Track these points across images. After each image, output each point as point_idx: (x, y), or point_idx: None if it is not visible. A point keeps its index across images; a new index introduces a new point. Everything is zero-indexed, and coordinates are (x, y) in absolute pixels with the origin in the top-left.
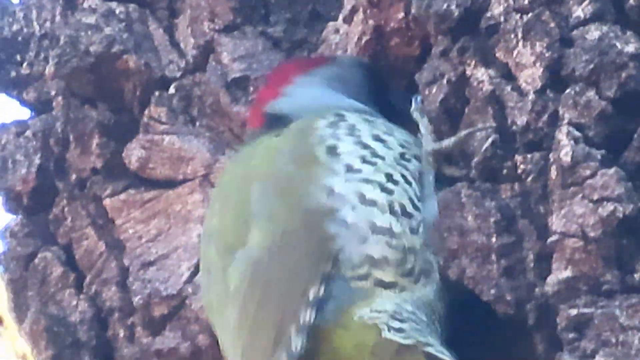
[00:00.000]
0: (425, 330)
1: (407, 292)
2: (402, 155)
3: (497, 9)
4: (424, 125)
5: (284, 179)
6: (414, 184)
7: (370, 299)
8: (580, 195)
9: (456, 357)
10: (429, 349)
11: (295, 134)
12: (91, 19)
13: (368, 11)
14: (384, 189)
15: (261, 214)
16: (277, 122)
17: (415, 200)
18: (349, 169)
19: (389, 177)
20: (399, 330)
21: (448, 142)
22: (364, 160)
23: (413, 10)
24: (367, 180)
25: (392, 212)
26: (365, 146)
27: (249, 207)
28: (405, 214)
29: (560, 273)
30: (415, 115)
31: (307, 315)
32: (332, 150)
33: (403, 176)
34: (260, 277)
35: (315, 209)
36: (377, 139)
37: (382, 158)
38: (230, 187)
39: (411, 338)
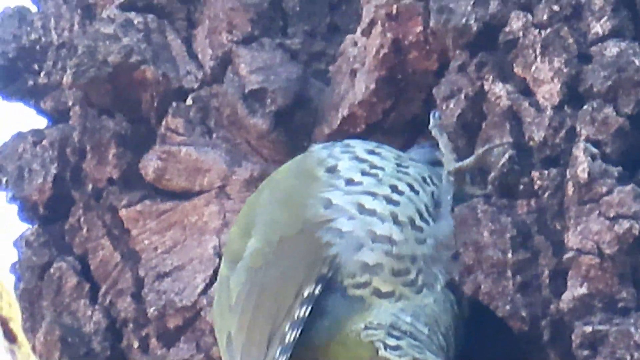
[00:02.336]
0: (424, 344)
1: (406, 301)
2: (399, 165)
3: (515, 24)
4: (443, 144)
5: (285, 191)
6: (421, 192)
7: (367, 311)
8: (596, 212)
9: None
10: None
11: (298, 158)
12: (109, 29)
13: (386, 24)
14: (389, 201)
15: (261, 222)
16: None
17: (424, 212)
18: (349, 182)
19: (394, 188)
20: (395, 348)
21: (468, 161)
22: (364, 173)
23: (431, 24)
24: (368, 192)
25: (395, 221)
26: (362, 160)
27: (253, 216)
28: (413, 224)
29: (575, 290)
30: (435, 132)
31: (302, 312)
32: (332, 169)
33: (409, 185)
34: (258, 282)
35: (312, 219)
36: (371, 152)
37: (382, 169)
38: (249, 199)
39: (408, 356)
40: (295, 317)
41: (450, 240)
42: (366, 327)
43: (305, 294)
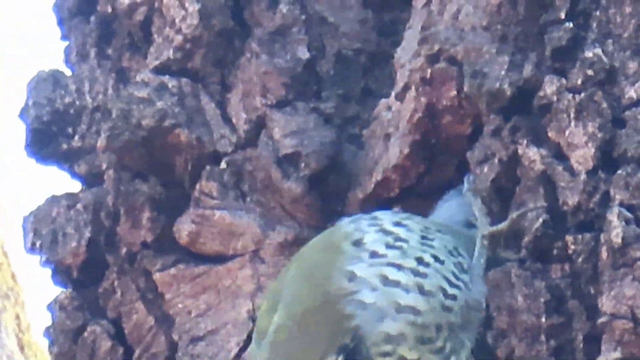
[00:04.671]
0: None
1: None
2: (423, 237)
3: (549, 89)
4: (477, 207)
5: (310, 265)
6: (447, 262)
7: None
8: (630, 277)
9: None
10: None
11: (327, 230)
12: (143, 93)
13: (420, 89)
14: (415, 273)
15: (286, 298)
16: None
17: (453, 279)
18: (374, 254)
19: (419, 260)
20: None
21: (502, 225)
22: (388, 246)
23: (465, 89)
24: (392, 264)
25: (421, 291)
26: (388, 232)
27: (280, 291)
28: (441, 292)
29: (609, 354)
30: (468, 196)
31: None
32: (358, 243)
33: (434, 256)
34: (280, 355)
35: (335, 292)
36: (397, 224)
37: (406, 241)
38: (278, 277)
39: None
40: None
41: (481, 305)
42: None
43: None
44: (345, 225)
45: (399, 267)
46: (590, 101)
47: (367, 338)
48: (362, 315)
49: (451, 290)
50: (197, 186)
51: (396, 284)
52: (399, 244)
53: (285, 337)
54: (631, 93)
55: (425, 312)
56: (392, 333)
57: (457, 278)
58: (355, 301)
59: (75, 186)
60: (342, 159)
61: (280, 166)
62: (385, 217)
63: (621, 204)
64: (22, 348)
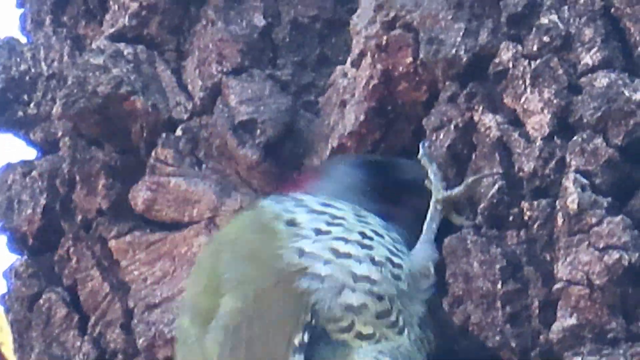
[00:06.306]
0: None
1: (385, 342)
2: (357, 215)
3: (505, 55)
4: (433, 172)
5: (248, 246)
6: (386, 237)
7: (349, 355)
8: (586, 243)
9: None
10: None
11: (249, 212)
12: (99, 60)
13: (376, 55)
14: (362, 245)
15: (230, 280)
16: None
17: (394, 249)
18: (318, 231)
19: (363, 234)
20: None
21: (457, 190)
22: (329, 223)
23: (421, 55)
24: (339, 238)
25: (372, 262)
26: (320, 212)
27: (219, 275)
28: (389, 262)
29: (565, 320)
30: (424, 161)
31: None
32: (291, 222)
33: (374, 231)
34: (242, 339)
35: (286, 269)
36: (325, 205)
37: (344, 219)
38: (203, 259)
39: None
40: None
41: (428, 270)
42: None
43: (296, 342)
44: (270, 206)
45: (346, 240)
46: (546, 67)
47: (327, 312)
48: (322, 288)
49: (396, 260)
50: (153, 153)
51: (348, 255)
52: (337, 221)
53: (240, 320)
54: (587, 59)
55: (379, 282)
56: (354, 304)
57: (397, 249)
58: (310, 275)
59: (31, 153)
60: (298, 126)
61: (236, 133)
62: (309, 199)
63: (577, 171)
64: None
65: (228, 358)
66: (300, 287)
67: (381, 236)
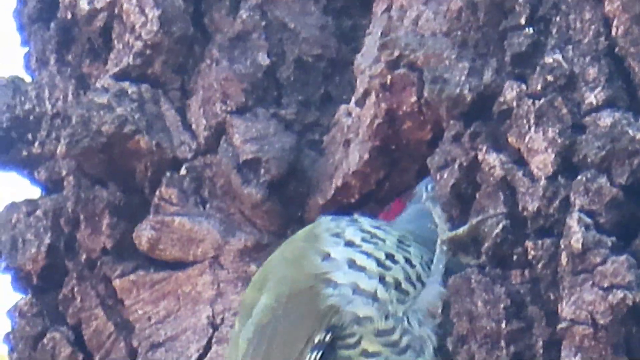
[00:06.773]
0: None
1: None
2: (400, 242)
3: (509, 94)
4: (437, 214)
5: (294, 250)
6: (418, 267)
7: None
8: (590, 282)
9: None
10: None
11: (309, 226)
12: (103, 99)
13: (380, 94)
14: (380, 264)
15: (272, 279)
16: None
17: (413, 279)
18: (349, 243)
19: (389, 256)
20: None
21: (461, 230)
22: (364, 240)
23: (425, 94)
24: (363, 252)
25: (381, 281)
26: (366, 231)
27: (265, 274)
28: (398, 287)
29: None
30: (428, 204)
31: (312, 356)
32: (337, 235)
33: (406, 259)
34: (266, 336)
35: (312, 272)
36: (377, 227)
37: (383, 240)
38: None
39: None
40: None
41: (437, 309)
42: None
43: (316, 340)
44: (327, 221)
45: (368, 255)
46: (550, 107)
47: (340, 322)
48: (334, 295)
49: (405, 286)
50: (157, 192)
51: (361, 269)
52: (374, 240)
53: (269, 318)
54: (591, 98)
55: (383, 301)
56: (360, 315)
57: (417, 280)
58: (328, 281)
59: (35, 192)
60: (302, 165)
61: (240, 172)
62: (365, 220)
63: (581, 210)
64: None
65: (251, 356)
66: (322, 291)
67: (412, 265)
